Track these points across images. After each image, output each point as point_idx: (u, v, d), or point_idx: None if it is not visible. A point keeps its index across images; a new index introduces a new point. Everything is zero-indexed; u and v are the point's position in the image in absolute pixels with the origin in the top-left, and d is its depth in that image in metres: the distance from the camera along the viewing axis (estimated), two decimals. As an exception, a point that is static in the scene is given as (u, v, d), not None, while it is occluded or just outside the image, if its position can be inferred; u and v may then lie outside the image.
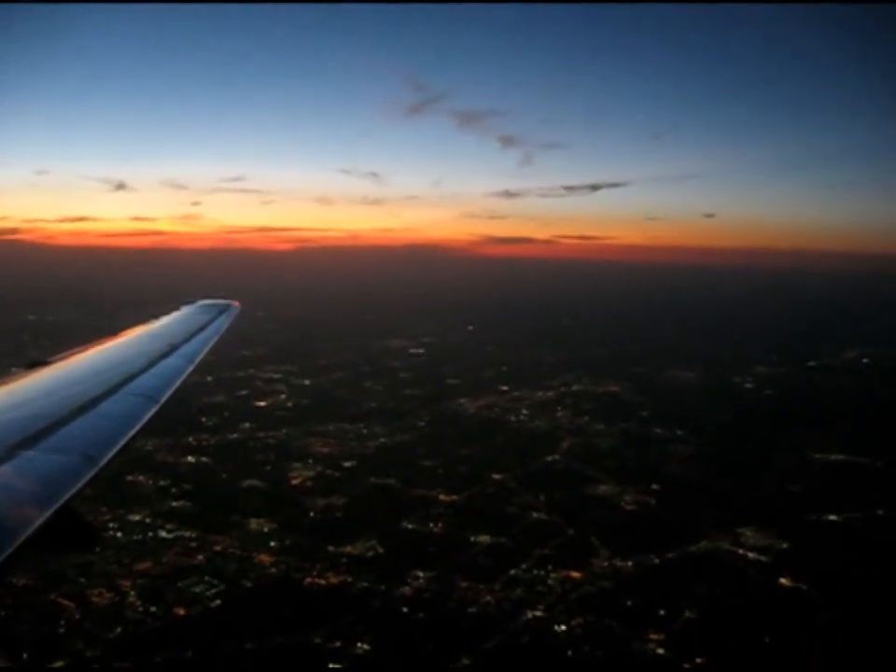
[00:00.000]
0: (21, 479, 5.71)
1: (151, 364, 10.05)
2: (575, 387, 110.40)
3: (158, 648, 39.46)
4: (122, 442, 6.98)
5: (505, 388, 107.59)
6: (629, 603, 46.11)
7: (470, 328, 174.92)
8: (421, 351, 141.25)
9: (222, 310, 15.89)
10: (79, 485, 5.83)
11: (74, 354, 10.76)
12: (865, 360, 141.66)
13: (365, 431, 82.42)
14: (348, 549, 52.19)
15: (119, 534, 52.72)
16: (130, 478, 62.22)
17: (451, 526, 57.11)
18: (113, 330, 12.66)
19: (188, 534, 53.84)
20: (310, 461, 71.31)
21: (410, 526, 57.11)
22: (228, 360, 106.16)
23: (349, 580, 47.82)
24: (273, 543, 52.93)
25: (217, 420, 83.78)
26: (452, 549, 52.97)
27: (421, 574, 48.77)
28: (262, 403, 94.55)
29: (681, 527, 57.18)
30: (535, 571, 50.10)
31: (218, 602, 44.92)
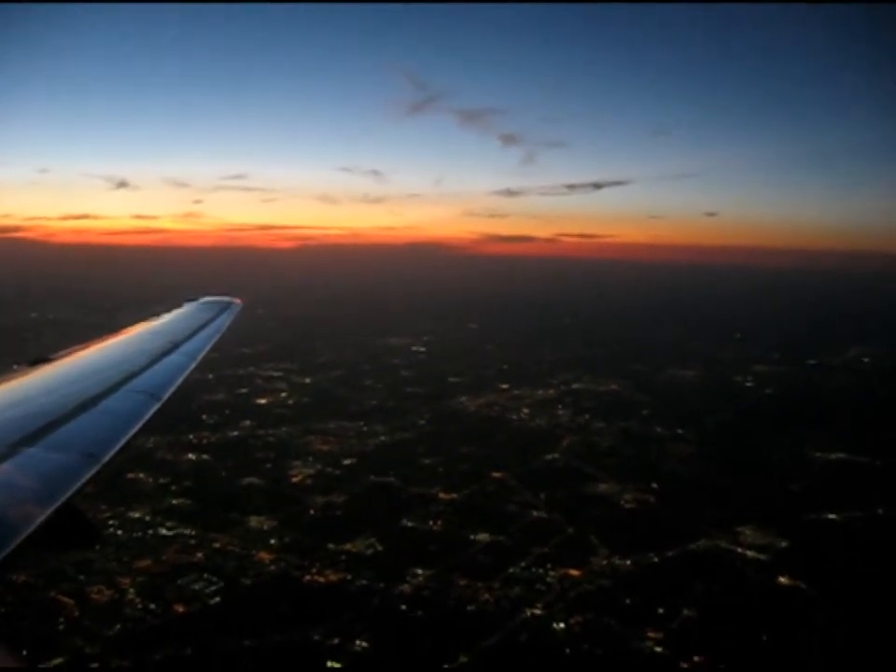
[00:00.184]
0: (22, 476, 5.73)
1: (153, 361, 10.04)
2: (575, 386, 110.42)
3: (157, 645, 39.52)
4: (124, 440, 6.99)
5: (505, 387, 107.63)
6: (628, 601, 46.16)
7: (472, 326, 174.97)
8: (422, 349, 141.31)
9: (224, 307, 15.85)
10: (81, 483, 5.84)
11: (75, 351, 10.75)
12: (866, 359, 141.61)
13: (365, 429, 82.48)
14: (348, 546, 52.26)
15: (118, 531, 52.83)
16: (130, 475, 62.29)
17: (450, 525, 57.17)
18: (114, 328, 12.66)
19: (187, 531, 53.93)
20: (310, 459, 71.38)
21: (409, 524, 57.18)
22: (229, 358, 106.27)
23: (348, 577, 47.89)
24: (272, 541, 53.00)
25: (218, 418, 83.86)
26: (451, 547, 53.02)
27: (420, 572, 48.83)
28: (263, 401, 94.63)
29: (681, 526, 57.18)
30: (534, 569, 50.15)
31: (218, 599, 45.01)
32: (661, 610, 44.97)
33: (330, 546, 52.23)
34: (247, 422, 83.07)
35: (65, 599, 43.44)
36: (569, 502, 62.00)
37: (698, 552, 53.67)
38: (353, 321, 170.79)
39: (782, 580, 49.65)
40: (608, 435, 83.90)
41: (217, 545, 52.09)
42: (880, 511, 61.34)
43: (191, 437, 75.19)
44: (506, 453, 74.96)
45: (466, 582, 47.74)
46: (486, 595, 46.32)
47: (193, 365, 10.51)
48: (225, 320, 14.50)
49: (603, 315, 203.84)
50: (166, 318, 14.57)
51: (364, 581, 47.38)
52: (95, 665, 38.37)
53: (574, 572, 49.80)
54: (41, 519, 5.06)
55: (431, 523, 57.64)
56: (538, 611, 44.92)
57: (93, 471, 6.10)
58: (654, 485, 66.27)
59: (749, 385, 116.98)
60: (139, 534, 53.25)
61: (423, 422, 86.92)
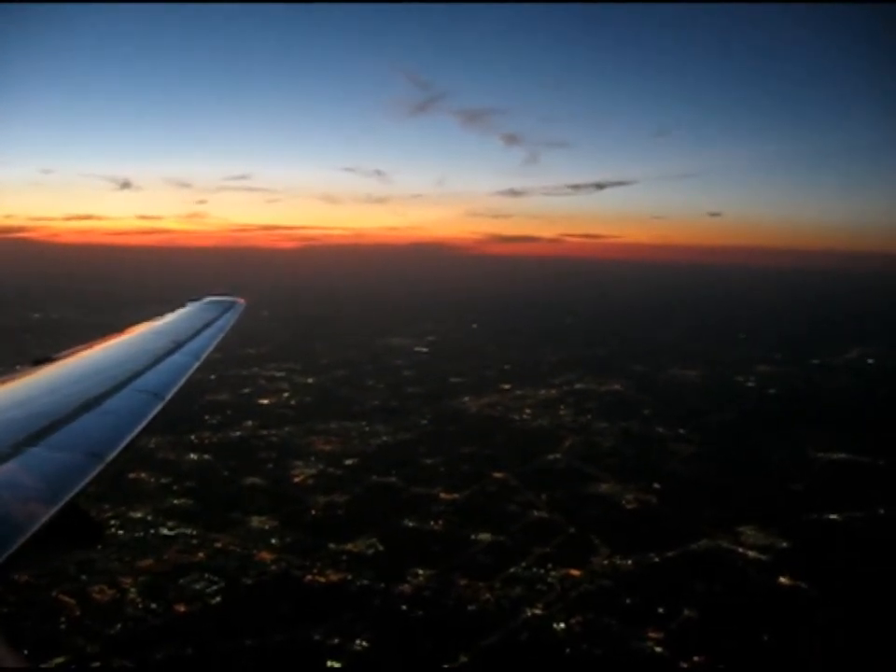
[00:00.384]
0: (26, 476, 5.76)
1: (156, 361, 10.06)
2: (578, 386, 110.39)
3: (158, 644, 39.60)
4: (128, 439, 7.00)
5: (508, 387, 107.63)
6: (628, 601, 46.15)
7: (474, 326, 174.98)
8: (424, 349, 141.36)
9: (228, 307, 15.85)
10: (85, 482, 5.86)
11: (79, 351, 10.78)
12: (868, 360, 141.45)
13: (367, 429, 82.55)
14: (349, 546, 52.32)
15: (120, 531, 52.94)
16: (132, 475, 62.42)
17: (451, 525, 57.20)
18: (118, 329, 12.67)
19: (189, 531, 54.04)
20: (312, 459, 71.46)
21: (411, 524, 57.23)
22: (231, 358, 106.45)
23: (349, 577, 47.94)
24: (273, 541, 53.09)
25: (220, 418, 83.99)
26: (452, 547, 53.06)
27: (421, 572, 48.86)
28: (265, 401, 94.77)
29: (682, 526, 57.16)
30: (535, 569, 50.16)
31: (219, 599, 45.10)
32: (661, 610, 44.95)
33: (332, 546, 52.30)
34: (249, 422, 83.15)
35: (67, 599, 43.56)
36: (570, 502, 62.01)
37: (699, 552, 53.62)
38: (355, 321, 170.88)
39: (783, 580, 49.60)
40: (609, 435, 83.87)
41: (218, 545, 52.19)
42: (881, 511, 61.24)
43: (193, 437, 75.33)
44: (507, 453, 74.96)
45: (466, 582, 47.75)
46: (487, 595, 46.34)
47: (197, 364, 10.52)
48: (228, 320, 14.51)
49: (605, 315, 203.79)
50: (169, 318, 14.57)
51: (365, 581, 47.42)
52: (96, 665, 38.48)
53: (575, 572, 49.81)
54: (45, 518, 5.08)
55: (432, 523, 57.69)
56: (538, 611, 44.92)
57: (97, 471, 6.12)
58: (656, 485, 66.24)
59: (750, 385, 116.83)
60: (141, 534, 53.36)
61: (425, 422, 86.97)
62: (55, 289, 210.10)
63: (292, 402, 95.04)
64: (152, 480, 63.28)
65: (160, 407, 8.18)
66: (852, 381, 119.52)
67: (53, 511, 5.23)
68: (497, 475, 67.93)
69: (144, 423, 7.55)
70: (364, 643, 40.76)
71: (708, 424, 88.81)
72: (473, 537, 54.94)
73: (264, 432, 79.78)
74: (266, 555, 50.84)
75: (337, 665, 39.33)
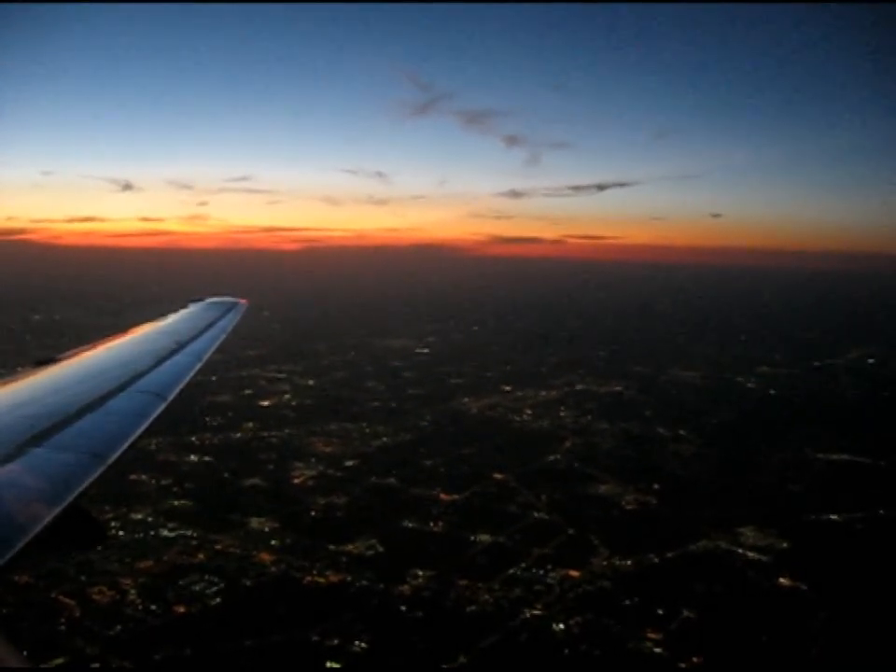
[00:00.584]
0: (29, 476, 5.77)
1: (159, 362, 10.05)
2: (578, 387, 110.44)
3: (157, 645, 39.66)
4: (130, 440, 6.99)
5: (508, 388, 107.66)
6: (627, 602, 46.13)
7: (476, 328, 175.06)
8: (425, 351, 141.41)
9: (230, 307, 15.84)
10: (88, 483, 5.86)
11: (81, 352, 10.79)
12: (869, 360, 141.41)
13: (367, 431, 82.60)
14: (349, 548, 52.35)
15: (120, 532, 52.98)
16: (133, 477, 62.44)
17: (451, 526, 57.21)
18: (120, 330, 12.70)
19: (189, 533, 54.07)
20: (312, 460, 71.50)
21: (410, 525, 57.25)
22: (232, 360, 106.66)
23: (349, 578, 47.96)
24: (273, 542, 53.14)
25: (221, 419, 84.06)
26: (452, 548, 53.07)
27: (420, 573, 48.87)
28: (266, 403, 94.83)
29: (681, 527, 57.14)
30: (534, 570, 50.17)
31: (218, 600, 45.12)
32: (661, 611, 44.94)
33: (331, 547, 52.32)
34: (250, 423, 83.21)
35: (66, 600, 43.62)
36: (570, 503, 62.03)
37: (698, 552, 53.62)
38: (356, 323, 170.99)
39: (783, 581, 49.59)
40: (610, 436, 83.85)
41: (218, 546, 52.22)
42: (881, 511, 61.20)
43: (194, 438, 75.40)
44: (507, 454, 74.97)
45: (466, 583, 47.73)
46: (486, 596, 46.35)
47: (199, 365, 10.51)
48: (230, 320, 14.49)
49: (606, 316, 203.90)
50: (171, 319, 14.57)
51: (364, 582, 47.44)
52: (96, 666, 38.52)
53: (574, 573, 49.81)
54: (48, 519, 5.09)
55: (432, 524, 57.70)
56: (537, 612, 44.93)
57: (100, 471, 6.12)
58: (656, 486, 66.22)
59: (751, 386, 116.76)
60: (141, 535, 53.41)
61: (425, 423, 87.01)
62: (57, 291, 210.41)
63: (293, 404, 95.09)
64: (153, 481, 63.33)
65: (162, 407, 8.18)
66: (852, 382, 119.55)
67: (56, 511, 5.24)
68: (497, 476, 67.95)
69: (146, 423, 7.54)
70: (363, 644, 40.78)
71: (709, 425, 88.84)
72: (473, 538, 54.95)
73: (265, 434, 79.83)
74: (266, 556, 50.88)
75: (336, 665, 39.34)
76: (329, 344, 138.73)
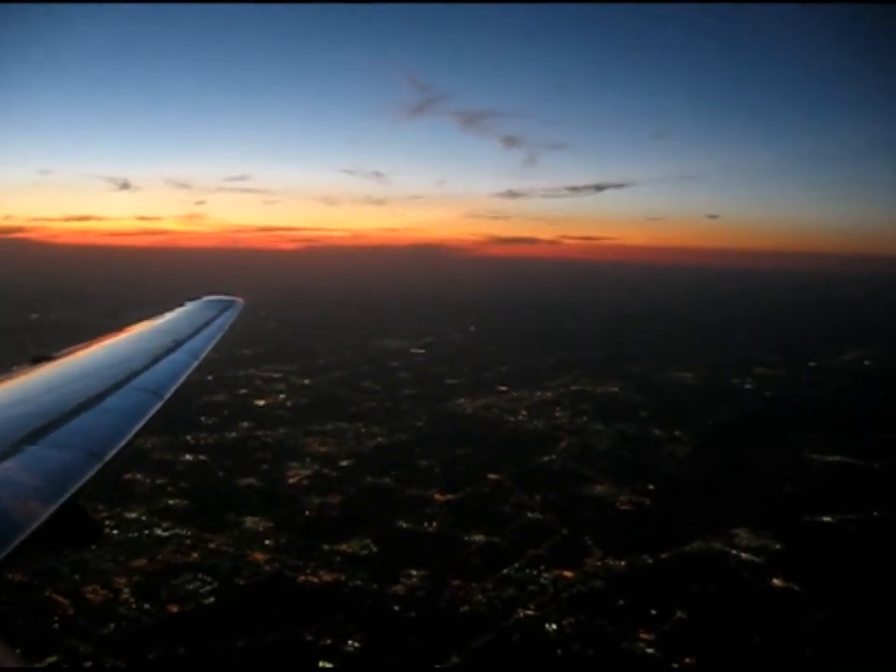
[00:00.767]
0: (25, 474, 5.77)
1: (155, 359, 10.02)
2: (574, 388, 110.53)
3: (151, 644, 39.69)
4: (127, 438, 6.99)
5: (504, 388, 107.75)
6: (621, 602, 46.24)
7: (472, 328, 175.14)
8: (421, 351, 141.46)
9: (227, 306, 15.82)
10: (84, 481, 5.86)
11: (78, 350, 10.75)
12: (865, 362, 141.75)
13: (363, 430, 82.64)
14: (343, 547, 52.39)
15: (115, 531, 52.91)
16: (127, 476, 62.38)
17: (445, 526, 57.28)
18: (117, 328, 12.70)
19: (183, 532, 54.07)
20: (307, 460, 71.53)
21: (405, 525, 57.32)
22: (229, 359, 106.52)
23: (342, 578, 48.02)
24: (267, 541, 53.16)
25: (216, 419, 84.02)
26: (446, 548, 53.14)
27: (414, 573, 48.92)
28: (261, 402, 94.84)
29: (675, 528, 57.27)
30: (528, 570, 50.25)
31: (212, 599, 45.16)
32: (654, 612, 45.02)
33: (325, 547, 52.35)
34: (246, 423, 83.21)
35: (60, 598, 43.62)
36: (565, 504, 62.13)
37: (692, 553, 53.73)
38: (353, 323, 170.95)
39: (776, 582, 49.73)
40: (605, 437, 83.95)
41: (212, 545, 52.25)
42: (875, 513, 61.35)
43: (189, 438, 75.38)
44: (502, 454, 75.02)
45: (459, 583, 47.81)
46: (480, 596, 46.42)
47: (195, 363, 10.49)
48: (227, 319, 14.47)
49: (603, 316, 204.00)
50: (168, 317, 14.51)
51: (358, 582, 47.49)
52: (89, 664, 38.55)
53: (567, 573, 49.91)
54: (44, 517, 5.09)
55: (427, 524, 57.76)
56: (530, 612, 45.01)
57: (96, 469, 6.12)
58: (651, 487, 66.33)
59: (747, 387, 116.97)
60: (135, 534, 53.40)
61: (420, 423, 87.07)
62: (54, 289, 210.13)
63: (288, 403, 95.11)
64: (148, 480, 63.32)
65: (159, 405, 8.16)
66: (849, 383, 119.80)
67: (52, 509, 5.24)
68: (492, 476, 68.03)
69: (143, 421, 7.53)
70: (356, 644, 40.84)
71: (704, 426, 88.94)
72: (467, 538, 55.03)
73: (260, 433, 79.85)
74: (260, 556, 50.91)
75: (329, 665, 39.42)
76: (326, 344, 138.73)
